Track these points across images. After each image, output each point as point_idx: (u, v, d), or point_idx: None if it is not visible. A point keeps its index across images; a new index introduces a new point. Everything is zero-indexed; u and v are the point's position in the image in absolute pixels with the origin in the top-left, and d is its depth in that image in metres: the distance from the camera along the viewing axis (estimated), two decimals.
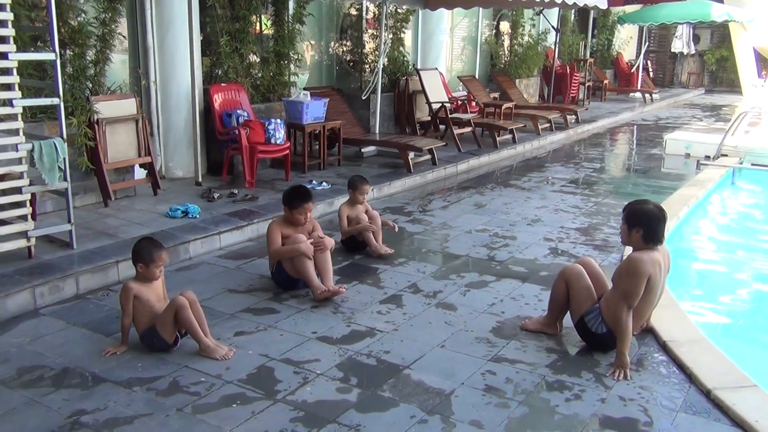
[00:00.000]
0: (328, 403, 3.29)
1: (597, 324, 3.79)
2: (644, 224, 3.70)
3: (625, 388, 3.50)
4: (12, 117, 4.60)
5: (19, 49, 4.72)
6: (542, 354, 3.85)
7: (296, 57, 8.75)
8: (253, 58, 8.33)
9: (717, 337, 4.12)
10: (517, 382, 3.53)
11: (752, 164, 9.18)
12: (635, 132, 13.74)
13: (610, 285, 3.88)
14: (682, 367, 3.68)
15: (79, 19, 6.18)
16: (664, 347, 3.90)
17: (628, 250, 4.00)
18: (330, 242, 4.69)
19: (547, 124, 12.05)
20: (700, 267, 6.25)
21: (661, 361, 3.79)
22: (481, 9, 13.28)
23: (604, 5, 10.11)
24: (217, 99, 7.39)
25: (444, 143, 9.13)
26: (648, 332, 4.09)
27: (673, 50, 23.16)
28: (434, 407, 3.27)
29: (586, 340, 3.90)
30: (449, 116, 9.97)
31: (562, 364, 3.74)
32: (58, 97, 4.79)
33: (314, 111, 8.00)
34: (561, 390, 3.47)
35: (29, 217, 4.76)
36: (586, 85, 16.71)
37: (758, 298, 5.54)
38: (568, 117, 12.87)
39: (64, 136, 4.85)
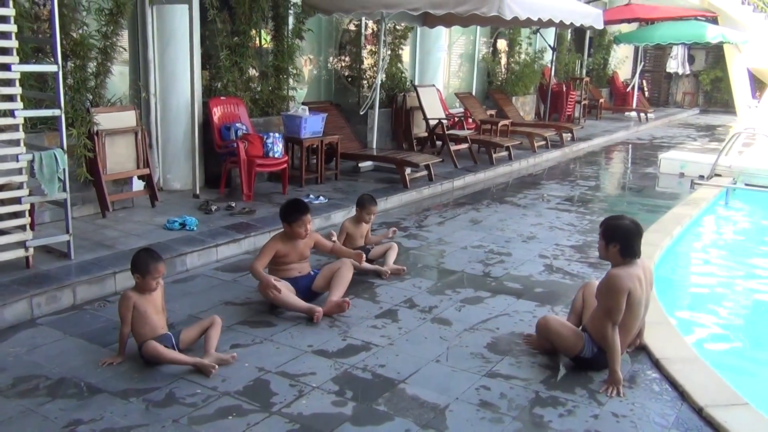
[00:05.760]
0: (323, 416, 3.31)
1: (589, 350, 3.83)
2: (621, 239, 3.75)
3: (617, 404, 3.53)
4: (13, 127, 4.63)
5: (21, 61, 4.76)
6: (536, 370, 3.88)
7: (295, 72, 8.82)
8: (253, 72, 8.41)
9: (709, 356, 4.15)
10: (511, 397, 3.56)
11: (746, 184, 9.24)
12: (630, 151, 13.84)
13: None
14: (674, 384, 3.71)
15: (80, 31, 6.23)
16: (657, 365, 3.93)
17: None
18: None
19: (543, 142, 12.13)
20: (693, 286, 6.29)
21: (653, 379, 3.82)
22: (478, 27, 13.41)
23: (600, 25, 10.22)
24: (216, 112, 7.44)
25: (440, 159, 9.20)
26: (641, 350, 4.12)
27: (668, 70, 23.35)
28: (429, 422, 3.29)
29: (582, 367, 3.92)
30: (446, 132, 10.05)
31: (555, 380, 3.77)
32: (60, 108, 4.82)
33: (312, 125, 8.06)
34: (554, 406, 3.49)
35: (28, 227, 4.78)
36: (582, 103, 16.83)
37: (750, 317, 5.58)
38: (564, 135, 12.94)
39: (65, 147, 4.88)
